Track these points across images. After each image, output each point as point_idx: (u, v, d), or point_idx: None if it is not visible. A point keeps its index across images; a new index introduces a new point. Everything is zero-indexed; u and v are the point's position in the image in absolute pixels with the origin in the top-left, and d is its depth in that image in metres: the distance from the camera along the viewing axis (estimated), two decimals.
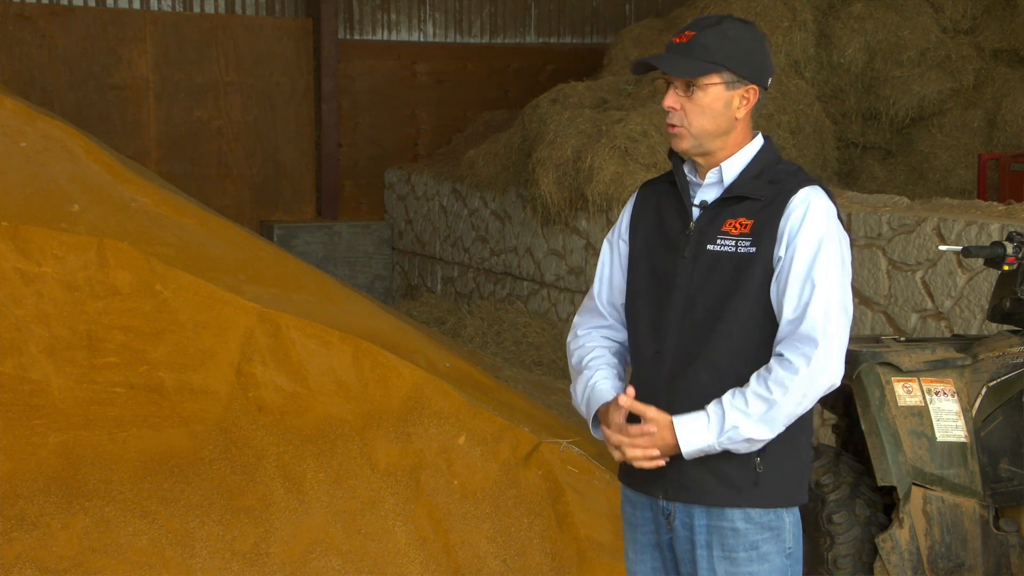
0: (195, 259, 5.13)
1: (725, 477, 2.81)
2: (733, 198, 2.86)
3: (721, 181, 2.89)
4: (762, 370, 2.77)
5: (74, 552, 4.53)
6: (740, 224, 2.82)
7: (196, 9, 11.75)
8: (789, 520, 2.89)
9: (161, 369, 4.81)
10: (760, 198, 2.83)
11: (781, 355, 2.76)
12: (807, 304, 2.74)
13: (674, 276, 2.87)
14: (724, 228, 2.83)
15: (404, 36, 12.67)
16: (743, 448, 2.78)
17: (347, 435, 4.91)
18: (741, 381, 2.79)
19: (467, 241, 10.83)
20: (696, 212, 2.88)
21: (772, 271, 2.79)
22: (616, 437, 2.83)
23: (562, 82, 10.10)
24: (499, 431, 5.02)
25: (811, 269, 2.76)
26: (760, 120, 9.27)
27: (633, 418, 2.84)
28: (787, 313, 2.77)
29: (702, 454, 2.80)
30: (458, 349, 6.79)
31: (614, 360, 3.02)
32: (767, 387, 2.73)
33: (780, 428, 2.78)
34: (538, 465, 4.98)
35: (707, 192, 2.90)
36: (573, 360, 3.06)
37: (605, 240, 3.08)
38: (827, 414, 6.39)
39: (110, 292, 4.81)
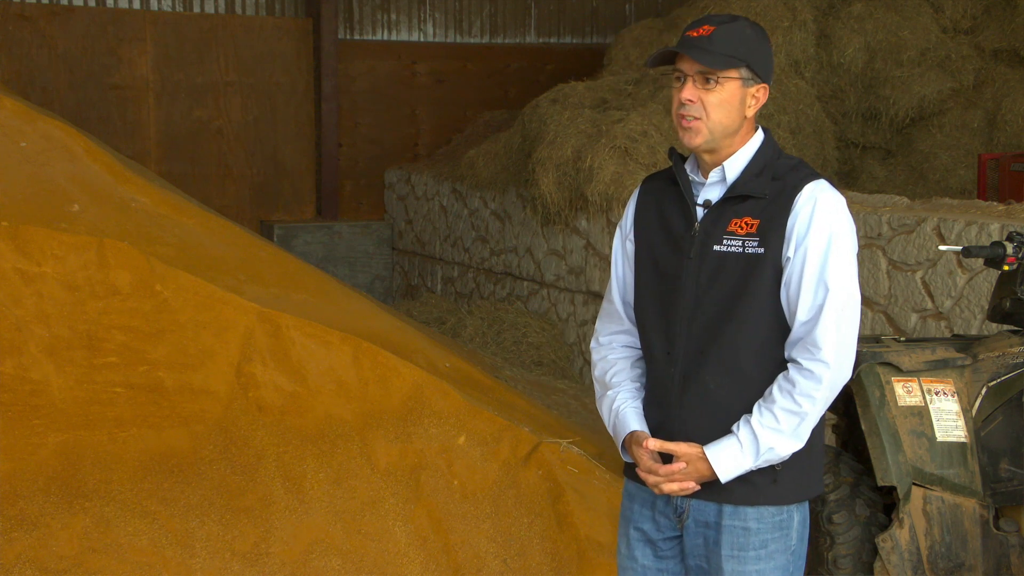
0: (195, 259, 5.12)
1: (745, 477, 2.83)
2: (737, 197, 2.83)
3: (724, 180, 2.86)
4: (782, 382, 2.78)
5: (74, 552, 4.53)
6: (746, 224, 2.80)
7: (196, 9, 11.75)
8: (797, 518, 2.91)
9: (161, 369, 4.81)
10: (764, 196, 2.80)
11: (800, 364, 2.77)
12: (821, 306, 2.74)
13: (679, 276, 2.86)
14: (730, 228, 2.81)
15: (404, 36, 12.66)
16: (776, 462, 2.82)
17: (347, 435, 4.90)
18: (751, 379, 2.81)
19: (467, 241, 10.82)
20: (700, 212, 2.86)
21: (781, 271, 2.78)
22: (652, 478, 2.87)
23: (562, 82, 10.08)
24: (499, 431, 5.01)
25: (823, 271, 2.75)
26: (760, 120, 9.27)
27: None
28: (801, 315, 2.76)
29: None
30: (458, 349, 6.78)
31: (635, 372, 3.03)
32: (795, 401, 2.76)
33: (808, 435, 2.81)
34: (538, 465, 4.98)
35: (710, 191, 2.88)
36: (596, 372, 3.08)
37: (615, 239, 3.06)
38: (827, 414, 6.38)
39: (110, 292, 4.81)
